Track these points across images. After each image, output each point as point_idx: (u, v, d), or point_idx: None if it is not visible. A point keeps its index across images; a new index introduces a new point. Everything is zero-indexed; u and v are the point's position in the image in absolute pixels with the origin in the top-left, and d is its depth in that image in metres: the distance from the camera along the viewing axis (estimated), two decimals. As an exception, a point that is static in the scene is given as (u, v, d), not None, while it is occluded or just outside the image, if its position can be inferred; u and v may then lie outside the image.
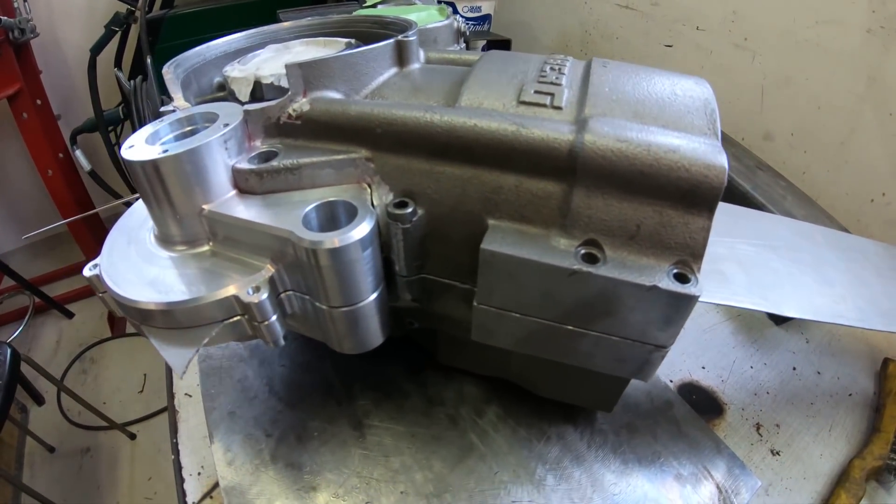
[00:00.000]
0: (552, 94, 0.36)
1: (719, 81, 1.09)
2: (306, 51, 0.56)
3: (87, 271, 0.43)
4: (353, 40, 0.55)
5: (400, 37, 0.44)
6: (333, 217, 0.37)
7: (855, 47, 0.81)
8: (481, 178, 0.34)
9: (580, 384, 0.47)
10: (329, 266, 0.34)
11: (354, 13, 0.73)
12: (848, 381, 0.63)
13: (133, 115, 1.22)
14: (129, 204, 0.57)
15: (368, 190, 0.38)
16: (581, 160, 0.32)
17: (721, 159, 0.33)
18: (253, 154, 0.41)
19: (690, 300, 0.33)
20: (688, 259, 0.34)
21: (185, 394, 0.62)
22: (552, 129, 0.33)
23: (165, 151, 0.37)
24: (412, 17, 0.65)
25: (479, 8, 1.28)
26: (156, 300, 0.37)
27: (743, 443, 0.56)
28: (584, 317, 0.35)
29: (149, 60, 1.29)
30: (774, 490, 0.53)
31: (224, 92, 0.57)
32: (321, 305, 0.37)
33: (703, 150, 0.33)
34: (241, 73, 0.49)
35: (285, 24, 0.61)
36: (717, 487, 0.48)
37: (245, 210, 0.38)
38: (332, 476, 0.47)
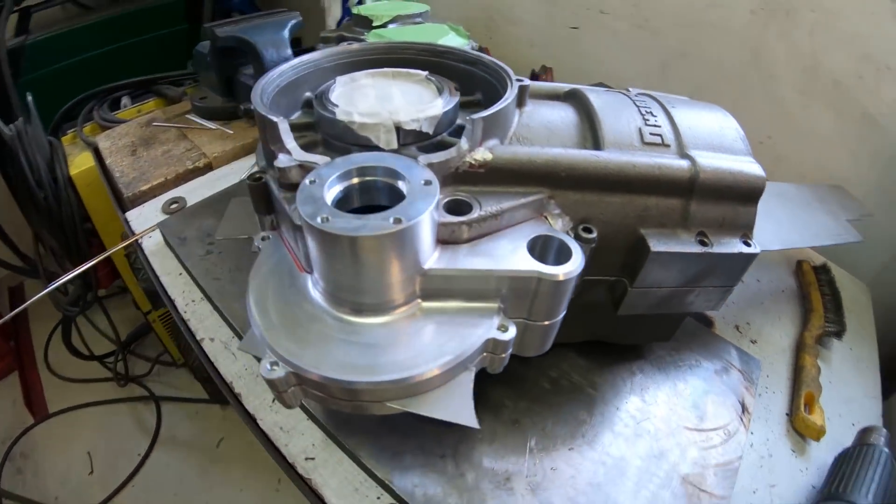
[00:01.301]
0: (661, 136, 0.58)
1: (625, 56, 1.40)
2: (375, 83, 0.64)
3: (269, 373, 0.45)
4: (428, 73, 0.66)
5: (522, 83, 0.59)
6: (543, 250, 0.52)
7: (741, 25, 1.15)
8: (635, 202, 0.55)
9: (654, 327, 0.72)
10: (555, 292, 0.49)
11: (368, 37, 0.82)
12: (778, 282, 0.99)
13: (23, 163, 1.12)
14: (65, 291, 0.61)
15: (548, 221, 0.55)
16: (697, 184, 0.55)
17: (761, 171, 0.58)
18: (441, 205, 0.51)
19: (755, 256, 0.59)
20: (747, 232, 0.60)
21: (306, 458, 0.65)
22: (676, 165, 0.55)
23: (399, 222, 0.42)
24: (443, 40, 0.78)
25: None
26: (426, 369, 0.45)
27: (733, 339, 0.87)
28: (696, 279, 0.59)
29: (30, 98, 1.17)
30: (763, 365, 0.84)
31: (310, 133, 0.63)
32: (532, 323, 0.52)
33: (751, 167, 0.58)
34: (366, 118, 0.53)
35: (324, 52, 0.68)
36: (740, 372, 0.77)
37: (471, 260, 0.49)
38: (513, 463, 0.62)
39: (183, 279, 0.88)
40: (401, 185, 0.49)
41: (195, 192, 1.05)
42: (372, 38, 0.86)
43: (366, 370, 0.45)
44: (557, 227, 0.55)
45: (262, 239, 0.59)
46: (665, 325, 0.72)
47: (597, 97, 0.62)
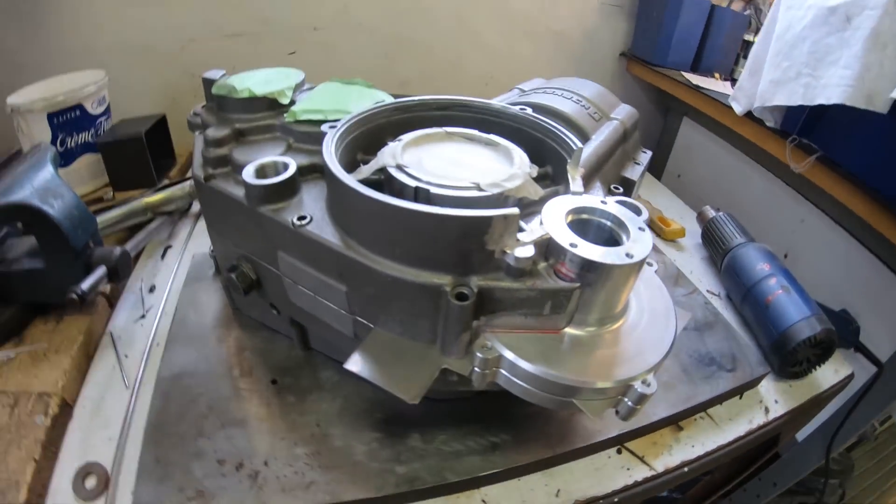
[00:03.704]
0: (597, 112, 0.94)
1: (350, 60, 1.66)
2: (420, 153, 0.74)
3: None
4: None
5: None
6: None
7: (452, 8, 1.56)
8: (613, 158, 0.92)
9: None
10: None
11: (289, 116, 0.88)
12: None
13: None
14: None
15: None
16: (627, 133, 0.95)
17: (634, 109, 1.02)
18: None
19: (651, 155, 1.05)
20: (641, 147, 1.05)
21: None
22: (616, 126, 0.93)
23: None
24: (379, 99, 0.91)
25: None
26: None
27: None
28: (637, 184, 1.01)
29: None
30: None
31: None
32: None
33: (630, 109, 1.01)
34: (511, 181, 0.66)
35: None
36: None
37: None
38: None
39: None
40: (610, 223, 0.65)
41: (90, 444, 0.76)
42: (294, 116, 0.79)
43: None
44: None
45: (486, 349, 0.58)
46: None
47: (555, 104, 0.92)
